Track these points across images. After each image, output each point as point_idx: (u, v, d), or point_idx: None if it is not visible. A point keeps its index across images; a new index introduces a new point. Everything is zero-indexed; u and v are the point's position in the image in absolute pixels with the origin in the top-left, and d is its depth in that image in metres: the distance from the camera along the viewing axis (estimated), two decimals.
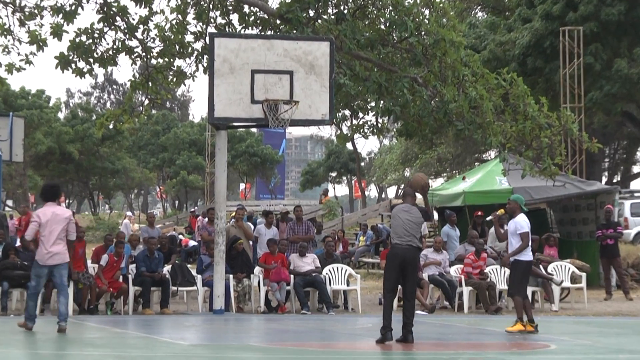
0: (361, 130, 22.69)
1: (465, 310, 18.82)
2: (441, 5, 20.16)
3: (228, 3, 20.35)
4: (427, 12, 19.65)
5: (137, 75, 22.26)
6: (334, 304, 19.01)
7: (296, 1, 18.53)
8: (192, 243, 29.69)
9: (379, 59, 19.35)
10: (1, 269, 17.30)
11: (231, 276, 18.13)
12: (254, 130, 67.94)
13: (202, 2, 20.34)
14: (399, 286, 13.32)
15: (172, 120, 79.28)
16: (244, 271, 18.62)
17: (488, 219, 16.92)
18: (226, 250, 17.95)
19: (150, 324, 16.15)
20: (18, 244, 18.78)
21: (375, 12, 19.85)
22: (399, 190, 73.14)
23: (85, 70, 19.86)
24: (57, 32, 18.68)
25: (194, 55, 20.69)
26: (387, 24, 19.44)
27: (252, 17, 20.23)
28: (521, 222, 14.79)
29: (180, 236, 32.09)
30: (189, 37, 20.54)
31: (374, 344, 12.95)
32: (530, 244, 14.91)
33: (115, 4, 19.44)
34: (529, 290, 19.27)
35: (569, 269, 20.26)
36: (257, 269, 18.76)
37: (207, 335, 15.48)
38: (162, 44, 20.39)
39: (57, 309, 14.28)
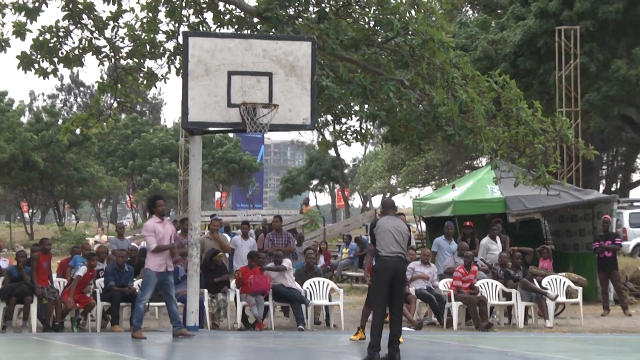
0: (344, 137, 22.69)
1: (455, 326, 18.84)
2: (428, 4, 20.19)
3: (202, 0, 20.35)
4: (413, 12, 19.65)
5: (105, 76, 22.24)
6: (315, 319, 19.03)
7: None
8: None
9: (363, 60, 19.34)
10: None
11: (206, 291, 18.11)
12: (231, 135, 67.91)
13: (174, 0, 20.33)
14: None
15: (143, 124, 78.96)
16: (222, 287, 18.60)
17: None
18: (205, 264, 17.94)
19: (120, 341, 16.09)
20: None
21: (359, 10, 19.82)
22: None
23: (49, 70, 19.82)
24: (19, 31, 18.61)
25: (166, 55, 20.70)
26: (372, 23, 19.46)
27: (228, 16, 20.23)
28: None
29: None
30: (160, 37, 20.57)
31: None
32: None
33: (82, 1, 19.39)
34: (523, 305, 19.42)
35: (565, 282, 20.34)
36: (233, 283, 18.73)
37: (180, 353, 15.41)
38: (132, 44, 20.36)
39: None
